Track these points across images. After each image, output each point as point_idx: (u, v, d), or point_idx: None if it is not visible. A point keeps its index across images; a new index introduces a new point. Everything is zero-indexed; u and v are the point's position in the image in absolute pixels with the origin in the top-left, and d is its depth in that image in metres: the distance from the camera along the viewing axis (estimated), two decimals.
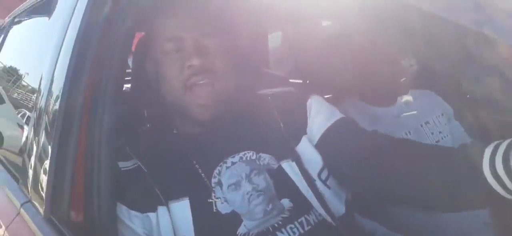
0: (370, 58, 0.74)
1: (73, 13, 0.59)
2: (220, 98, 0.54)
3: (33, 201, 0.57)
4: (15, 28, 1.06)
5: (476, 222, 0.80)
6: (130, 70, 0.73)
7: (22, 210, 0.57)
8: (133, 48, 0.64)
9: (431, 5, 0.28)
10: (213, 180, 0.54)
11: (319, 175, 0.56)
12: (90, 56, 0.55)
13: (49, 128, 0.58)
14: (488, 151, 0.40)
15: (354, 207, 0.61)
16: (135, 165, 0.55)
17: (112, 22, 0.55)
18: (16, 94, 0.97)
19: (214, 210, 0.52)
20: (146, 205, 0.53)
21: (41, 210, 0.54)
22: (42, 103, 0.61)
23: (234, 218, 0.53)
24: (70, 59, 0.55)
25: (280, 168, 0.55)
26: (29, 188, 0.60)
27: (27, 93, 0.91)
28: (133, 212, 0.53)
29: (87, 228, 0.51)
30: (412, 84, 0.87)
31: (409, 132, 0.84)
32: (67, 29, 0.59)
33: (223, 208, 0.53)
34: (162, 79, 0.56)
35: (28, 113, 0.87)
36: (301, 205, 0.54)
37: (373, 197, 0.60)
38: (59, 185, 0.52)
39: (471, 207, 0.51)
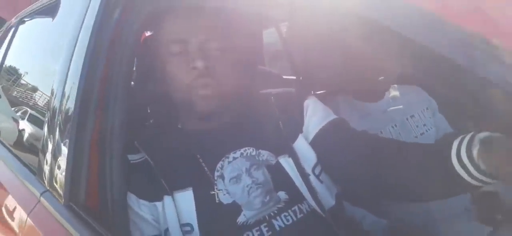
0: (355, 57, 0.80)
1: (84, 17, 0.64)
2: (221, 94, 0.59)
3: (51, 190, 0.63)
4: (22, 28, 1.10)
5: (457, 209, 0.87)
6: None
7: (42, 198, 0.62)
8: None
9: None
10: (216, 174, 0.59)
11: (313, 170, 0.61)
12: (102, 57, 0.59)
13: (62, 126, 0.63)
14: (455, 143, 0.46)
15: (345, 197, 0.67)
16: (143, 158, 0.60)
17: (122, 26, 0.59)
18: (21, 92, 1.02)
19: (217, 201, 0.57)
20: (153, 194, 0.58)
21: (60, 198, 0.59)
22: (55, 103, 0.66)
23: (235, 208, 0.57)
24: (84, 61, 0.60)
25: (277, 164, 0.60)
26: (46, 182, 0.65)
27: (31, 91, 0.96)
28: (141, 201, 0.58)
29: (102, 213, 0.56)
30: (395, 81, 0.92)
31: (396, 125, 0.90)
32: (79, 32, 0.63)
33: (224, 199, 0.57)
34: (168, 78, 0.60)
35: (29, 111, 0.92)
36: (296, 197, 0.59)
37: (361, 190, 0.65)
38: (76, 175, 0.57)
39: (447, 195, 0.57)
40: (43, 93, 0.87)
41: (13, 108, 1.02)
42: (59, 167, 0.61)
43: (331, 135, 0.62)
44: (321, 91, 1.02)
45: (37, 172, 0.69)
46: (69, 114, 0.61)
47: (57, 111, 0.65)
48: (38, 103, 0.87)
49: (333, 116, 0.64)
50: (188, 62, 0.58)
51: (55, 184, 0.62)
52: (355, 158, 0.59)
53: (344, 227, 0.59)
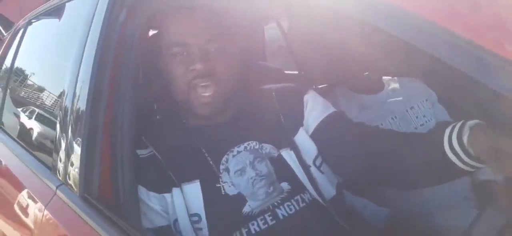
0: (352, 52, 0.82)
1: (92, 21, 0.66)
2: (220, 97, 0.61)
3: (66, 183, 0.66)
4: (30, 30, 1.13)
5: (457, 197, 0.89)
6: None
7: (58, 191, 0.65)
8: None
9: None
10: (221, 167, 0.61)
11: (314, 161, 0.64)
12: (110, 59, 0.62)
13: (74, 125, 0.66)
14: (447, 131, 0.48)
15: (345, 187, 0.69)
16: (151, 153, 0.63)
17: (127, 28, 0.62)
18: (29, 92, 1.05)
19: (223, 193, 0.60)
20: (162, 187, 0.60)
21: (75, 191, 0.63)
22: (67, 103, 0.69)
23: (240, 199, 0.59)
24: (93, 63, 0.62)
25: (280, 156, 0.62)
26: (60, 177, 0.68)
27: (38, 91, 0.99)
28: (151, 193, 0.61)
29: (114, 204, 0.59)
30: (393, 73, 0.94)
31: (395, 117, 0.92)
32: (88, 35, 0.66)
33: (230, 190, 0.60)
34: (170, 78, 0.63)
35: (37, 110, 0.96)
36: (298, 188, 0.62)
37: (360, 179, 0.68)
38: (89, 169, 0.60)
39: (441, 181, 0.60)
40: (50, 93, 0.90)
41: (21, 108, 1.06)
42: (72, 164, 0.64)
43: (330, 127, 0.64)
44: (322, 85, 1.05)
45: (51, 167, 0.73)
46: (80, 113, 0.64)
47: (69, 110, 0.68)
48: (46, 102, 0.90)
49: (332, 109, 0.66)
50: (188, 64, 0.60)
51: (68, 180, 0.65)
52: (353, 148, 0.61)
53: (344, 215, 0.62)
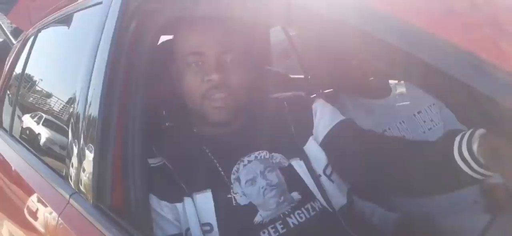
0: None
1: (103, 29, 0.67)
2: (233, 106, 0.62)
3: (79, 192, 0.67)
4: (40, 38, 1.15)
5: (466, 201, 0.88)
6: None
7: (71, 200, 0.66)
8: None
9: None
10: (232, 177, 0.62)
11: (324, 170, 0.64)
12: (122, 66, 0.63)
13: (86, 131, 0.67)
14: (457, 139, 0.48)
15: (355, 193, 0.69)
16: (161, 162, 0.63)
17: (139, 36, 0.63)
18: (39, 99, 1.07)
19: (234, 203, 0.60)
20: (174, 196, 0.61)
21: (88, 200, 0.63)
22: (79, 110, 0.70)
23: (251, 209, 0.60)
24: (105, 71, 0.63)
25: (290, 166, 0.63)
26: (72, 183, 0.70)
27: (46, 97, 1.01)
28: (163, 202, 0.61)
29: (127, 213, 0.60)
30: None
31: (403, 121, 0.92)
32: (99, 43, 0.67)
33: (241, 200, 0.60)
34: (184, 87, 0.63)
35: (44, 116, 0.97)
36: (308, 197, 0.62)
37: (370, 187, 0.68)
38: (102, 177, 0.61)
39: (451, 189, 0.60)
40: (61, 100, 0.92)
41: (32, 115, 1.07)
42: (84, 170, 0.65)
43: (339, 136, 0.64)
44: (329, 90, 1.05)
45: (63, 174, 0.74)
46: (92, 119, 0.65)
47: (81, 117, 0.69)
48: (57, 109, 0.92)
49: (340, 117, 0.67)
50: (203, 74, 0.60)
51: (80, 186, 0.66)
52: (362, 156, 0.61)
53: (354, 224, 0.62)
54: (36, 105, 1.07)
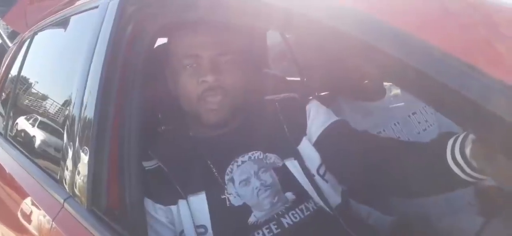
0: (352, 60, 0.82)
1: (99, 32, 0.67)
2: (228, 107, 0.62)
3: (73, 196, 0.67)
4: (36, 41, 1.14)
5: (461, 203, 0.89)
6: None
7: (65, 204, 0.66)
8: None
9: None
10: (226, 177, 0.62)
11: (317, 170, 0.64)
12: (118, 69, 0.63)
13: (81, 134, 0.67)
14: (450, 142, 0.48)
15: (350, 195, 0.70)
16: (157, 165, 0.64)
17: (135, 39, 0.63)
18: (35, 102, 1.06)
19: (228, 204, 0.60)
20: (168, 199, 0.61)
21: (82, 203, 0.63)
22: (74, 112, 0.70)
23: (245, 209, 0.60)
24: (101, 73, 0.63)
25: (284, 166, 0.63)
26: (67, 187, 0.69)
27: (42, 99, 1.01)
28: (157, 205, 0.61)
29: (121, 217, 0.60)
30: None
31: (398, 122, 0.92)
32: (95, 46, 0.67)
33: (235, 201, 0.61)
34: (179, 89, 0.64)
35: (39, 118, 0.97)
36: (302, 197, 0.62)
37: (363, 187, 0.69)
38: (97, 181, 0.61)
39: (444, 191, 0.60)
40: (57, 102, 0.92)
41: (27, 118, 1.07)
42: (78, 173, 0.65)
43: (333, 136, 0.65)
44: (324, 93, 1.05)
45: (58, 177, 0.74)
46: (88, 122, 0.65)
47: (76, 119, 0.68)
48: (53, 112, 0.91)
49: (334, 118, 0.67)
50: (199, 76, 0.61)
51: (75, 189, 0.66)
52: (356, 156, 0.61)
53: (350, 223, 0.62)
54: (31, 108, 1.07)
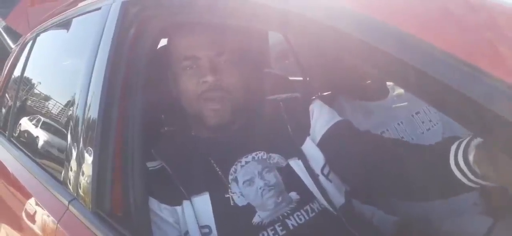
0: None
1: (102, 34, 0.67)
2: (230, 108, 0.62)
3: (78, 198, 0.67)
4: (38, 42, 1.15)
5: (465, 203, 0.88)
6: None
7: (70, 206, 0.66)
8: None
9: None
10: (230, 177, 0.62)
11: (322, 170, 0.64)
12: (121, 70, 0.63)
13: (85, 135, 0.67)
14: (453, 148, 0.48)
15: (354, 195, 0.70)
16: (160, 165, 0.64)
17: (137, 41, 0.63)
18: (38, 103, 1.07)
19: (232, 204, 0.60)
20: (173, 199, 0.61)
21: (87, 205, 0.63)
22: (78, 113, 0.70)
23: (249, 210, 0.60)
24: (104, 74, 0.64)
25: (288, 166, 0.63)
26: (71, 187, 0.70)
27: (44, 100, 1.01)
28: (163, 205, 0.61)
29: (126, 218, 0.60)
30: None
31: (401, 122, 0.92)
32: (99, 46, 0.67)
33: (239, 201, 0.61)
34: (180, 90, 0.64)
35: (43, 119, 0.97)
36: (307, 197, 0.62)
37: (366, 188, 0.68)
38: (101, 183, 0.61)
39: (447, 195, 0.60)
40: (57, 102, 0.92)
41: (30, 119, 1.07)
42: (83, 173, 0.65)
43: (336, 136, 0.64)
44: (327, 93, 1.05)
45: (62, 178, 0.74)
46: (92, 122, 0.65)
47: (80, 120, 0.69)
48: (57, 113, 0.92)
49: (338, 118, 0.67)
50: (199, 76, 0.61)
51: (79, 190, 0.66)
52: (359, 157, 0.61)
53: (354, 223, 0.62)
54: (35, 109, 1.07)
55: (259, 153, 0.64)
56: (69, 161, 0.71)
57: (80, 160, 0.67)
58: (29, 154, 0.97)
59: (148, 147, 0.65)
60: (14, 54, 1.30)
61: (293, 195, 0.62)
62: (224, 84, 0.61)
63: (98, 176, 0.61)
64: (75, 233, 0.63)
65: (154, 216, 0.62)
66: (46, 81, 1.09)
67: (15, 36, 1.63)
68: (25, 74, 1.17)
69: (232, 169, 0.63)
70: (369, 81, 0.89)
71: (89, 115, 0.67)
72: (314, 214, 0.61)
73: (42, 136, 0.96)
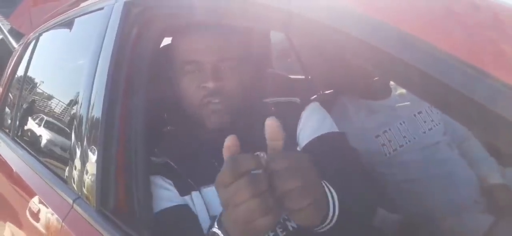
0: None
1: (105, 35, 0.68)
2: (230, 112, 0.62)
3: (82, 196, 0.68)
4: (41, 42, 1.15)
5: (467, 201, 0.89)
6: None
7: (75, 205, 0.67)
8: None
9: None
10: None
11: None
12: (124, 70, 0.63)
13: (89, 134, 0.68)
14: None
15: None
16: (165, 161, 0.64)
17: (140, 41, 0.64)
18: (41, 103, 1.07)
19: None
20: (181, 190, 0.61)
21: (91, 204, 0.64)
22: (82, 112, 0.71)
23: None
24: (107, 74, 0.64)
25: None
26: (75, 186, 0.70)
27: (52, 102, 1.02)
28: (168, 181, 0.61)
29: (130, 217, 0.61)
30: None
31: (404, 122, 0.92)
32: (102, 46, 0.67)
33: None
34: (181, 92, 0.64)
35: (46, 118, 0.98)
36: None
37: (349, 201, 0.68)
38: (105, 181, 0.62)
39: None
40: (61, 101, 0.92)
41: (34, 118, 1.08)
42: (87, 172, 0.66)
43: (316, 150, 0.63)
44: (329, 91, 1.05)
45: (66, 177, 0.74)
46: (95, 121, 0.65)
47: (84, 119, 0.69)
48: (57, 111, 0.92)
49: (325, 130, 0.65)
50: (200, 81, 0.61)
51: (83, 188, 0.67)
52: (337, 177, 0.57)
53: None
54: (38, 108, 1.08)
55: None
56: (73, 159, 0.72)
57: (84, 159, 0.68)
58: (33, 153, 0.97)
59: (151, 145, 0.65)
60: (17, 54, 1.30)
61: None
62: (224, 90, 0.61)
63: (102, 175, 0.62)
64: (80, 231, 0.64)
65: (158, 190, 0.60)
66: (49, 80, 1.09)
67: (17, 36, 1.64)
68: (28, 74, 1.18)
69: None
70: (372, 80, 0.89)
71: (92, 114, 0.67)
72: None
73: (45, 135, 0.97)
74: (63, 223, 0.66)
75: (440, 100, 0.35)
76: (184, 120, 0.69)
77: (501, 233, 0.44)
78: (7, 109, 1.28)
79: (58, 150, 0.89)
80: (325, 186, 0.50)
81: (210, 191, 0.61)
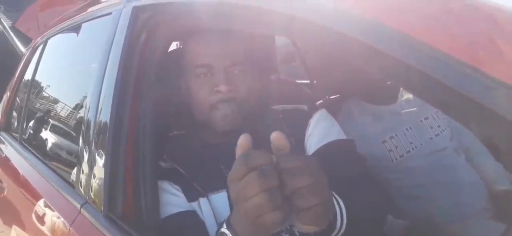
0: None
1: (113, 40, 0.68)
2: (240, 117, 0.62)
3: (90, 201, 0.68)
4: (48, 47, 1.16)
5: (475, 207, 0.88)
6: None
7: (82, 210, 0.67)
8: None
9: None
10: None
11: None
12: (132, 74, 0.64)
13: (96, 138, 0.68)
14: None
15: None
16: (172, 167, 0.64)
17: (148, 47, 0.64)
18: (49, 107, 1.08)
19: None
20: (189, 196, 0.61)
21: (98, 209, 0.64)
22: (90, 116, 0.71)
23: None
24: (116, 78, 0.64)
25: None
26: (83, 190, 0.71)
27: (60, 106, 1.02)
28: (176, 186, 0.61)
29: (137, 222, 0.61)
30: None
31: (410, 127, 0.92)
32: (109, 53, 0.68)
33: None
34: (191, 96, 0.64)
35: (54, 123, 0.98)
36: None
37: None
38: (113, 186, 0.62)
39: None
40: (68, 106, 0.93)
41: (41, 123, 1.08)
42: (94, 176, 0.66)
43: (324, 158, 0.61)
44: (335, 96, 1.05)
45: (73, 181, 0.75)
46: (103, 126, 0.66)
47: (92, 123, 0.69)
48: (64, 115, 0.93)
49: (331, 138, 0.64)
50: (212, 85, 0.61)
51: (91, 193, 0.67)
52: (346, 183, 0.57)
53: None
54: (46, 112, 1.09)
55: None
56: (80, 164, 0.72)
57: (91, 163, 0.68)
58: (40, 157, 0.98)
59: (159, 150, 0.65)
60: (25, 58, 1.32)
61: None
62: (236, 95, 0.61)
63: (110, 180, 0.62)
64: None
65: (166, 195, 0.61)
66: (57, 84, 1.10)
67: (25, 40, 1.66)
68: (36, 78, 1.19)
69: None
70: (378, 85, 0.88)
71: (100, 119, 0.67)
72: None
73: (53, 139, 0.97)
74: (70, 228, 0.66)
75: (441, 101, 0.35)
76: (192, 124, 0.69)
77: None
78: (14, 113, 1.29)
79: (65, 154, 0.90)
80: (332, 196, 0.49)
81: (218, 198, 0.61)
